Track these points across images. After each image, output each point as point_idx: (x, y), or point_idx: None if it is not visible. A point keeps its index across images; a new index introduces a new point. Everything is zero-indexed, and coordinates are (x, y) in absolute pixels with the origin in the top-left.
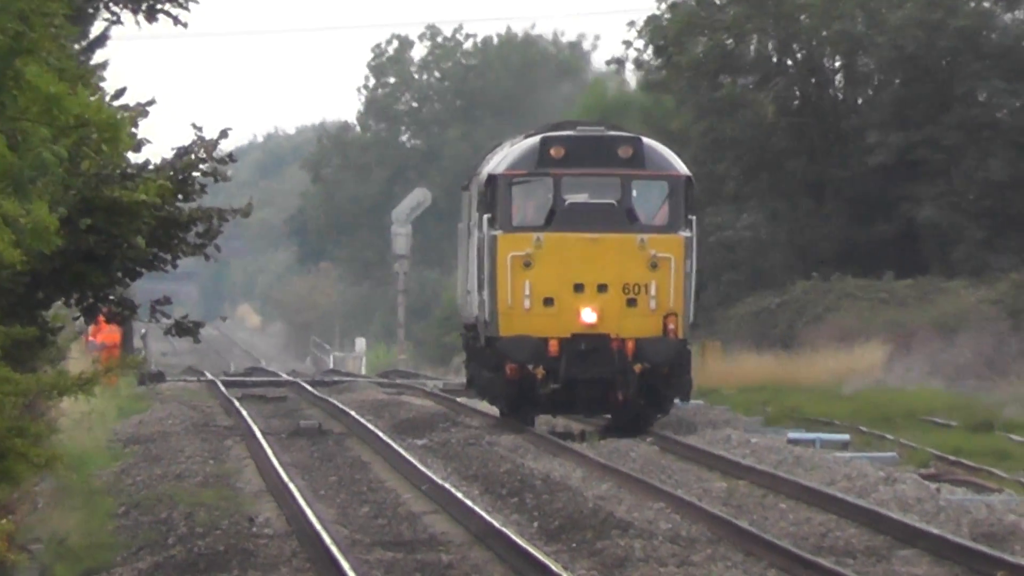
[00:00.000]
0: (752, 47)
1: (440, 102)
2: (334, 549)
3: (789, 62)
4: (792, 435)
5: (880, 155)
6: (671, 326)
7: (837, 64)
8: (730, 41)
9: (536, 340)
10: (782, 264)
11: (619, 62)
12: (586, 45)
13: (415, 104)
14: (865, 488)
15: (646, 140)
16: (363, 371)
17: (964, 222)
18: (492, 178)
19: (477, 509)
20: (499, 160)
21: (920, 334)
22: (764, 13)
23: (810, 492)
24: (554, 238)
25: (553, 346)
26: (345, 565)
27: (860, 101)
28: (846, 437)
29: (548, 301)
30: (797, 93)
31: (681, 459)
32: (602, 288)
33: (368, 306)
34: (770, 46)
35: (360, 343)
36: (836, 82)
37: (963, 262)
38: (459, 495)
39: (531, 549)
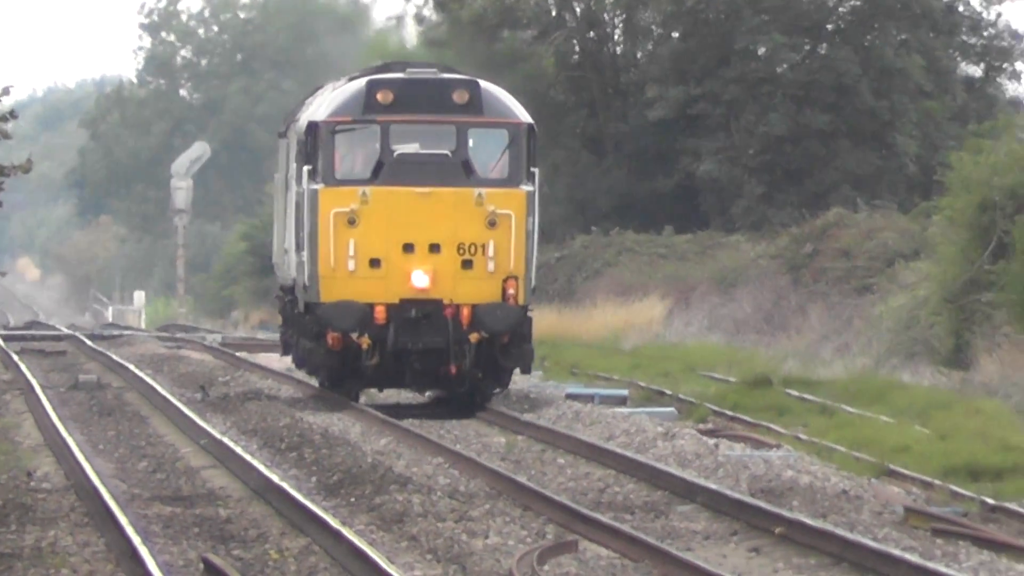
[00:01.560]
0: (533, 1)
1: (219, 56)
2: (112, 504)
3: (568, 16)
4: (571, 390)
5: (660, 109)
6: (511, 291)
7: (617, 18)
8: None
9: (361, 306)
10: (562, 218)
11: (399, 18)
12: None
13: (194, 58)
14: (644, 443)
15: (484, 83)
16: (143, 325)
17: (743, 177)
18: (312, 125)
19: (255, 464)
20: (320, 105)
21: (700, 289)
22: None
23: (588, 447)
24: (382, 193)
25: (380, 313)
26: (123, 520)
27: (640, 55)
28: (625, 392)
29: (375, 263)
30: (576, 47)
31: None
32: (435, 248)
33: (148, 260)
34: (550, 0)
35: (139, 297)
36: (616, 36)
37: (742, 216)
38: (238, 450)
39: (309, 504)
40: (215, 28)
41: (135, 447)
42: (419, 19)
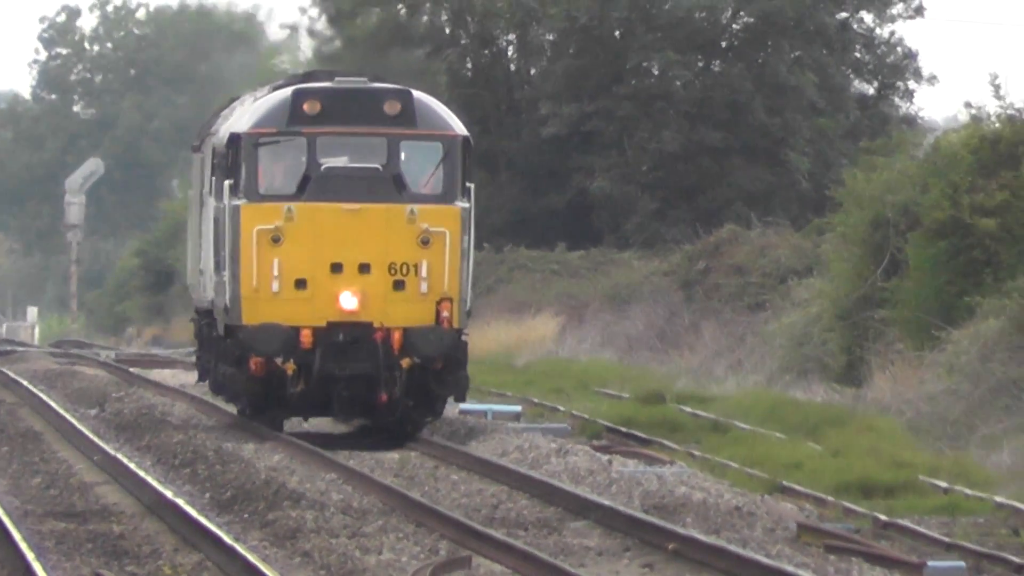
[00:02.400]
0: (425, 18)
1: (113, 72)
2: (6, 520)
3: (461, 33)
4: (464, 406)
5: (553, 126)
6: (445, 314)
7: (511, 35)
8: (403, 12)
9: (286, 330)
10: None
11: (293, 28)
12: (261, 16)
13: (88, 75)
14: (537, 459)
15: (417, 94)
16: (36, 341)
17: (636, 193)
18: (234, 137)
19: (149, 480)
20: (242, 116)
21: (593, 305)
22: None
23: (482, 463)
24: (307, 209)
25: (306, 337)
26: (17, 536)
27: (533, 72)
28: (518, 408)
29: (300, 284)
30: (470, 65)
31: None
32: (364, 268)
33: (41, 276)
34: (444, 17)
35: (32, 312)
36: (509, 53)
37: (635, 233)
38: (131, 466)
39: (202, 520)
40: (109, 44)
41: (28, 463)
42: (311, 33)
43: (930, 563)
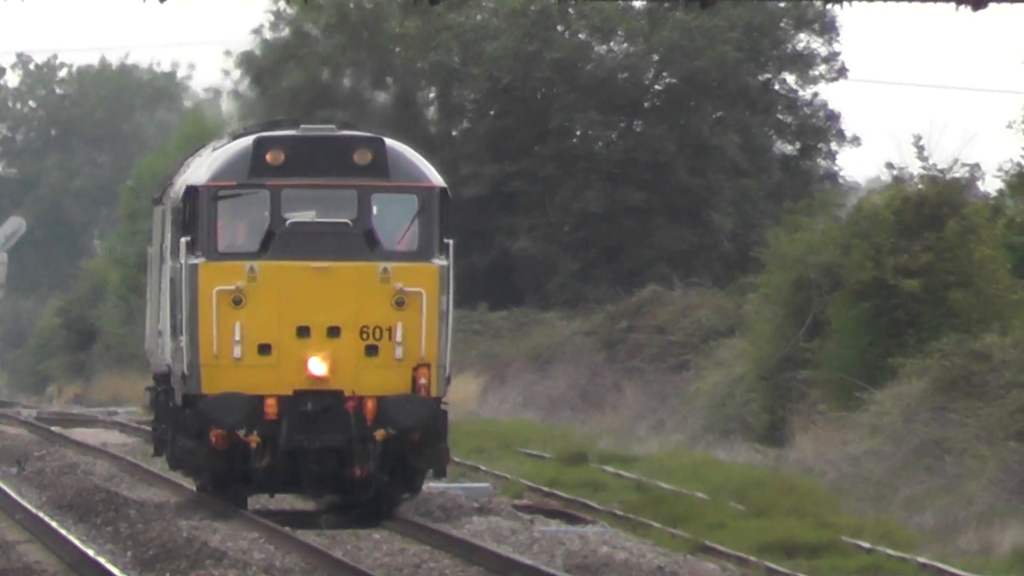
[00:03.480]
0: (346, 80)
1: (35, 131)
2: None
3: (383, 96)
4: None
5: (475, 187)
6: (422, 380)
7: (432, 96)
8: (326, 74)
9: (249, 399)
10: None
11: (216, 91)
12: (180, 73)
13: (9, 133)
14: (459, 519)
15: (389, 142)
16: None
17: (559, 253)
18: (191, 190)
19: (71, 538)
20: (200, 167)
21: (514, 365)
22: (359, 45)
23: (404, 523)
24: (272, 268)
25: (271, 406)
26: None
27: (455, 132)
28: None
29: (264, 349)
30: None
31: None
32: (334, 332)
33: None
34: (366, 81)
35: None
36: (430, 114)
37: (558, 293)
38: (53, 524)
39: None
40: (31, 103)
41: None
42: (235, 95)
43: None
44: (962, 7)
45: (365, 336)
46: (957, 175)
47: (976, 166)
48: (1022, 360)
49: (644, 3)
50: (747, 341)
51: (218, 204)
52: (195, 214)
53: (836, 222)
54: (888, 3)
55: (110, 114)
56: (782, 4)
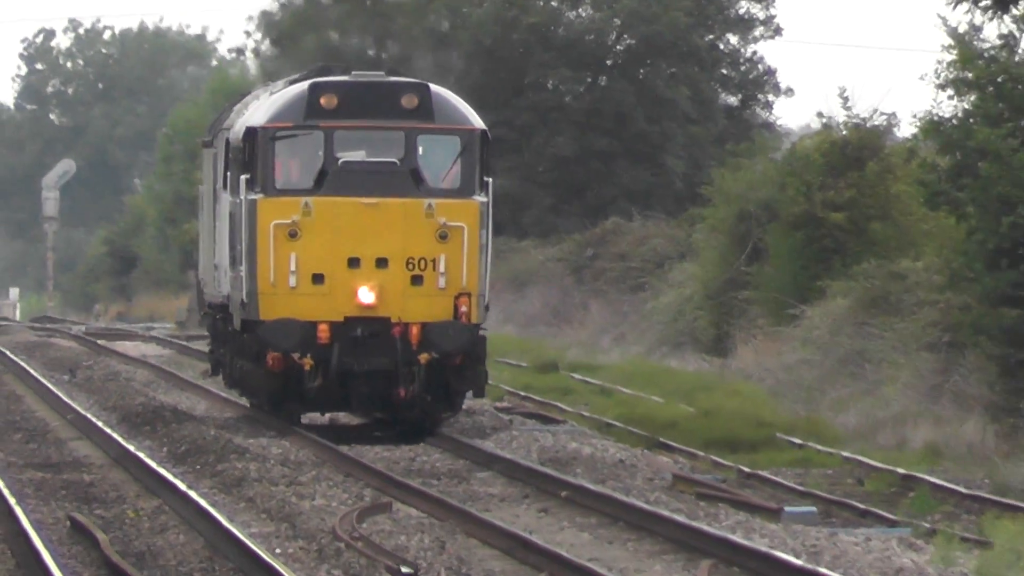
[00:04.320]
0: (353, 41)
1: (83, 85)
2: None
3: (384, 55)
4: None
5: None
6: (463, 308)
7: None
8: (336, 37)
9: (303, 325)
10: None
11: (240, 51)
12: (209, 36)
13: (62, 87)
14: (448, 419)
15: (434, 88)
16: (17, 317)
17: (534, 190)
18: (251, 131)
19: (115, 436)
20: (258, 110)
21: (496, 287)
22: (363, 12)
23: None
24: (325, 203)
25: (323, 332)
26: (0, 483)
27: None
28: None
29: (318, 279)
30: None
31: None
32: (382, 263)
33: (22, 260)
34: (369, 42)
35: (14, 292)
36: (425, 73)
37: (533, 225)
38: (99, 423)
39: (161, 470)
40: (80, 62)
41: (11, 421)
42: (256, 53)
43: (787, 508)
44: None
45: (411, 267)
46: (877, 122)
47: (893, 115)
48: (932, 281)
49: None
50: (696, 265)
51: (275, 144)
52: (254, 153)
53: (772, 163)
54: None
55: (148, 71)
56: None
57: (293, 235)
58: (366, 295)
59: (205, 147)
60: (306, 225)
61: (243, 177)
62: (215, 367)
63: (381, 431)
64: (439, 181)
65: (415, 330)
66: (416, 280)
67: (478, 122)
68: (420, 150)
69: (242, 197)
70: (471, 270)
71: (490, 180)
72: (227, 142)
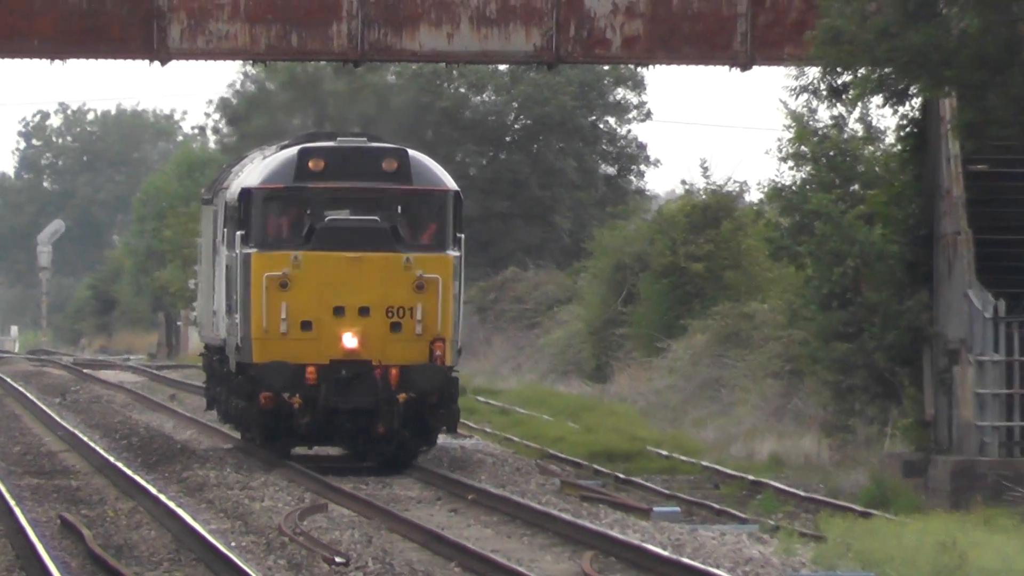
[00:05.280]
0: (296, 122)
1: (71, 158)
2: None
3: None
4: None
5: None
6: (438, 352)
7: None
8: (281, 118)
9: (293, 367)
10: None
11: (201, 128)
12: (176, 116)
13: (54, 159)
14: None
15: (412, 152)
16: (16, 350)
17: None
18: (245, 192)
19: (97, 448)
20: (252, 172)
21: None
22: (304, 98)
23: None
24: (313, 257)
25: (311, 373)
26: (2, 487)
27: None
28: None
29: (306, 325)
30: None
31: None
32: (364, 311)
33: (20, 303)
34: (309, 123)
35: (14, 330)
36: None
37: None
38: (84, 438)
39: (136, 477)
40: (69, 138)
41: (11, 436)
42: (215, 131)
43: (655, 508)
44: (734, 69)
45: (390, 315)
46: (730, 188)
47: (744, 182)
48: (776, 320)
49: (507, 66)
50: (580, 307)
51: (267, 204)
52: (248, 211)
53: (644, 222)
54: (681, 66)
55: (124, 146)
56: (605, 67)
57: (284, 286)
58: (350, 340)
59: (204, 204)
60: (296, 277)
61: (238, 233)
62: (210, 402)
63: (364, 463)
64: (416, 237)
65: (394, 372)
66: (395, 327)
67: (451, 184)
68: (399, 209)
69: (237, 251)
70: (445, 317)
71: (462, 236)
72: (224, 201)
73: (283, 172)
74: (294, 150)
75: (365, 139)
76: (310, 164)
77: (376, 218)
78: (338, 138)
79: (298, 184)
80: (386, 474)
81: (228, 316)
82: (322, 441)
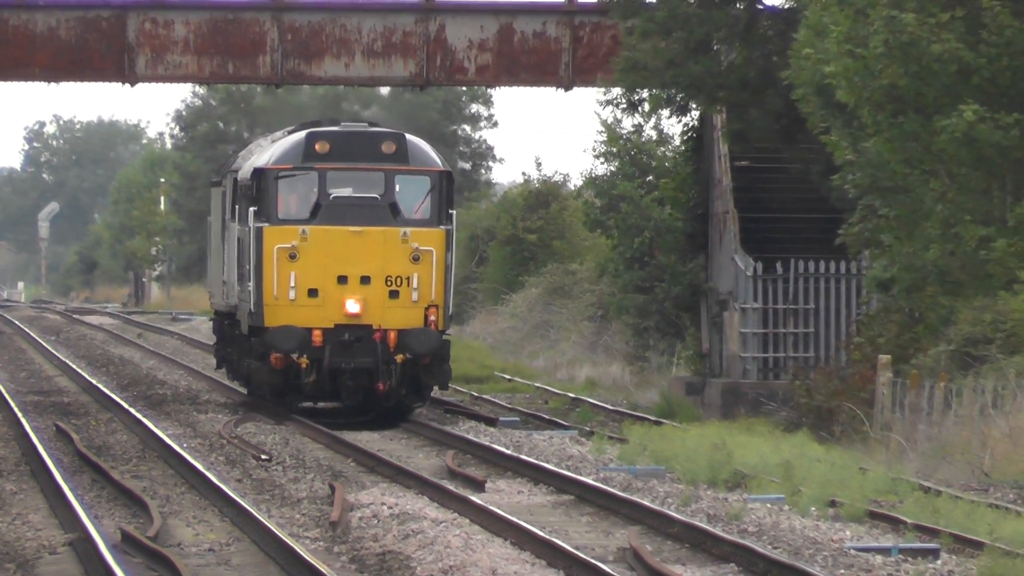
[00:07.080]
0: (233, 129)
1: (63, 156)
2: (6, 395)
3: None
4: None
5: None
6: (432, 317)
7: None
8: (222, 126)
9: (301, 331)
10: None
11: (160, 134)
12: (142, 124)
13: (50, 157)
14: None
15: (409, 136)
16: (23, 300)
17: None
18: (258, 171)
19: (83, 373)
20: (263, 154)
21: None
22: (239, 111)
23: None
24: (319, 231)
25: (317, 336)
26: (12, 404)
27: None
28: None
29: (313, 293)
30: None
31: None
32: (365, 280)
33: (25, 265)
34: (243, 131)
35: (20, 284)
36: None
37: None
38: (73, 366)
39: (112, 394)
40: (62, 141)
41: (19, 364)
42: (171, 135)
43: (500, 418)
44: (559, 89)
45: (389, 283)
46: (557, 179)
47: (567, 174)
48: (591, 277)
49: (388, 88)
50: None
51: (278, 182)
52: (261, 190)
53: (492, 204)
54: (520, 88)
55: (103, 147)
56: (463, 88)
57: (293, 257)
58: (352, 306)
59: (214, 186)
60: (303, 249)
61: (251, 209)
62: (219, 362)
63: (364, 416)
64: (412, 213)
65: (392, 335)
66: (393, 294)
67: (444, 165)
68: (397, 187)
69: (250, 225)
70: (438, 286)
71: (454, 212)
72: (235, 181)
73: (292, 153)
74: (302, 134)
75: (366, 124)
76: (317, 146)
77: (376, 195)
78: (342, 123)
79: (306, 164)
80: (389, 427)
81: (240, 285)
82: (326, 397)
